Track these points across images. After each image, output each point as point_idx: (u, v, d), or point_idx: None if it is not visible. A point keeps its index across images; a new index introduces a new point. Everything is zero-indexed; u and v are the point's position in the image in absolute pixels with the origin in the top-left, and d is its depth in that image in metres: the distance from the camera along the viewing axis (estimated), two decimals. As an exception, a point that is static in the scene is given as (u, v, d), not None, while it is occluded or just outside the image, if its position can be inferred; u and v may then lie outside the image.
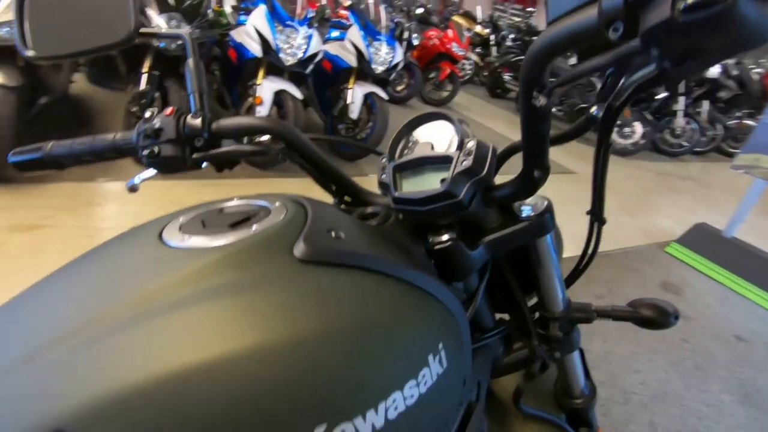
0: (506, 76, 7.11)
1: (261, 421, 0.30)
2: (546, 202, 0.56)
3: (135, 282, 0.35)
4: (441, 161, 0.51)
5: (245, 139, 0.59)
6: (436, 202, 0.49)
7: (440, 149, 0.53)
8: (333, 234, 0.42)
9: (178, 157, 0.53)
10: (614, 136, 5.39)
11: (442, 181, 0.49)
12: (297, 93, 2.91)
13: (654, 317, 0.62)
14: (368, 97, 3.26)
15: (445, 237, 0.52)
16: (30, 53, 0.55)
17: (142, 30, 0.56)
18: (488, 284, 0.63)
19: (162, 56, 2.63)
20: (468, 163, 0.48)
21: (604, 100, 0.40)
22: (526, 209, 0.55)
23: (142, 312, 0.32)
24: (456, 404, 0.48)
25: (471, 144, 0.49)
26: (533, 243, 0.59)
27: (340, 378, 0.33)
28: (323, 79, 3.46)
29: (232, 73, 3.23)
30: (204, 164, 0.56)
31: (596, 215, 0.56)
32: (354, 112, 3.23)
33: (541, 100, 0.38)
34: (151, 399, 0.29)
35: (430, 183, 0.51)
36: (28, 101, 2.30)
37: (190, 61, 0.56)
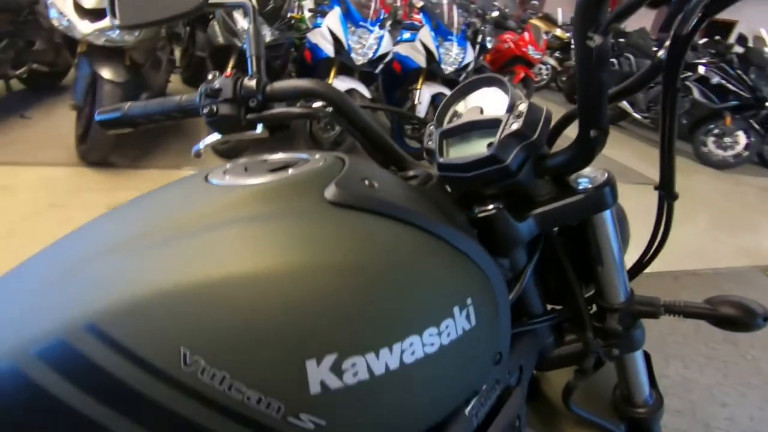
0: (587, 81, 6.69)
1: (273, 339, 0.31)
2: (607, 175, 0.51)
3: (176, 209, 0.38)
4: (490, 125, 0.48)
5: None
6: (481, 168, 0.46)
7: (491, 114, 0.50)
8: (367, 182, 0.41)
9: (234, 117, 0.56)
10: (711, 147, 4.83)
11: (489, 145, 0.46)
12: (366, 92, 2.98)
13: (736, 316, 0.53)
14: (436, 98, 3.25)
15: (490, 206, 0.49)
16: (118, 22, 0.62)
17: (210, 0, 0.60)
18: (541, 271, 0.59)
19: (244, 56, 2.83)
20: (517, 125, 0.45)
21: (668, 27, 0.36)
22: (584, 182, 0.51)
23: (177, 232, 0.35)
24: (488, 376, 0.45)
25: (522, 106, 0.46)
26: (591, 221, 0.54)
27: (354, 311, 0.33)
28: (393, 80, 3.51)
29: (307, 74, 3.38)
30: (259, 129, 0.59)
31: (665, 190, 0.50)
32: (421, 113, 3.23)
33: (596, 40, 0.34)
34: (170, 305, 0.31)
35: (477, 149, 0.48)
36: (132, 96, 2.59)
37: (251, 27, 0.59)
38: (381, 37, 3.05)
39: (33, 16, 3.11)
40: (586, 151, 0.45)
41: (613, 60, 5.86)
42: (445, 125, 0.53)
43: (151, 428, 0.30)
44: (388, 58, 3.16)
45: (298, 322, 0.31)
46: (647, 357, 0.66)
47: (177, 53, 4.17)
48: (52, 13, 2.31)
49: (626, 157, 4.49)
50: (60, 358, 0.30)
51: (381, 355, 0.33)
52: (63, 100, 3.23)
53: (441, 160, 0.50)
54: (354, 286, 0.34)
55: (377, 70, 3.15)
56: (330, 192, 0.39)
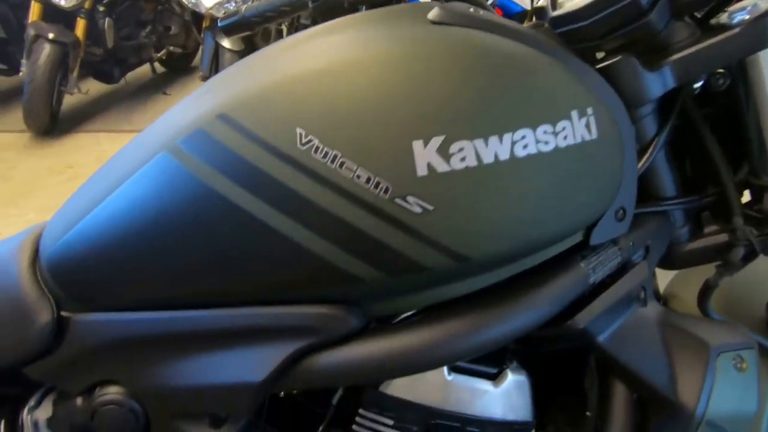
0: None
1: (380, 120, 0.33)
2: None
3: (297, 35, 0.43)
4: None
5: None
6: (603, 10, 0.41)
7: None
8: (472, 9, 0.40)
9: None
10: None
11: None
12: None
13: None
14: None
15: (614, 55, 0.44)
16: None
17: None
18: (676, 152, 0.51)
19: None
20: None
21: None
22: (739, 14, 0.42)
23: (295, 42, 0.40)
24: (606, 227, 0.41)
25: None
26: (746, 70, 0.45)
27: (461, 97, 0.33)
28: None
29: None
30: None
31: None
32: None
33: None
34: (287, 91, 0.35)
35: None
36: (246, 65, 2.87)
37: None
38: (481, -19, 2.88)
39: (168, 4, 3.56)
40: None
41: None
42: None
43: (273, 205, 0.34)
44: (488, 2, 2.99)
45: (405, 103, 0.33)
46: None
47: (284, 26, 4.46)
48: (182, -7, 2.62)
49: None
50: (200, 146, 0.35)
51: (490, 143, 0.32)
52: (194, 77, 3.69)
53: (554, 13, 0.46)
54: (461, 73, 0.34)
55: (477, 18, 3.00)
56: (433, 13, 0.39)
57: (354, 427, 0.46)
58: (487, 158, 0.32)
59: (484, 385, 0.46)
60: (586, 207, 0.38)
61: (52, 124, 2.72)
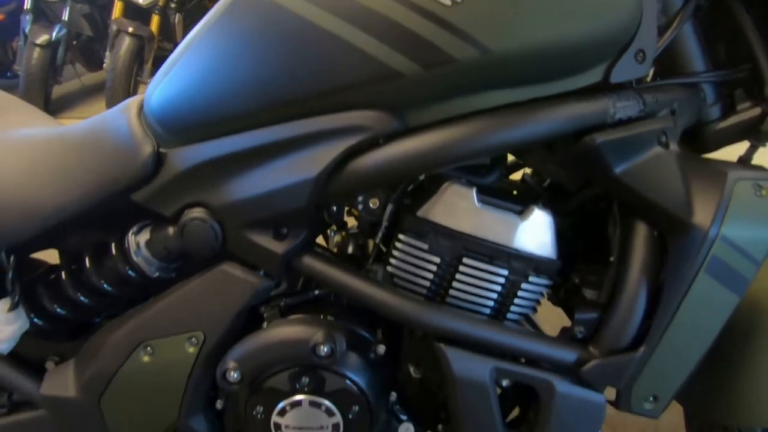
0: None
1: None
2: None
3: None
4: None
5: None
6: None
7: None
8: None
9: None
10: None
11: None
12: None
13: None
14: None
15: None
16: None
17: None
18: (705, 29, 0.54)
19: None
20: None
21: None
22: None
23: None
24: (627, 65, 0.45)
25: None
26: None
27: None
28: None
29: None
30: None
31: None
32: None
33: None
34: None
35: None
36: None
37: None
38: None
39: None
40: None
41: None
42: None
43: (329, 10, 0.43)
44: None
45: None
46: None
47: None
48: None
49: None
50: None
51: None
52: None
53: None
54: None
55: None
56: None
57: (394, 252, 0.53)
58: None
59: (511, 216, 0.51)
60: (602, 25, 0.43)
61: (129, 110, 3.03)
